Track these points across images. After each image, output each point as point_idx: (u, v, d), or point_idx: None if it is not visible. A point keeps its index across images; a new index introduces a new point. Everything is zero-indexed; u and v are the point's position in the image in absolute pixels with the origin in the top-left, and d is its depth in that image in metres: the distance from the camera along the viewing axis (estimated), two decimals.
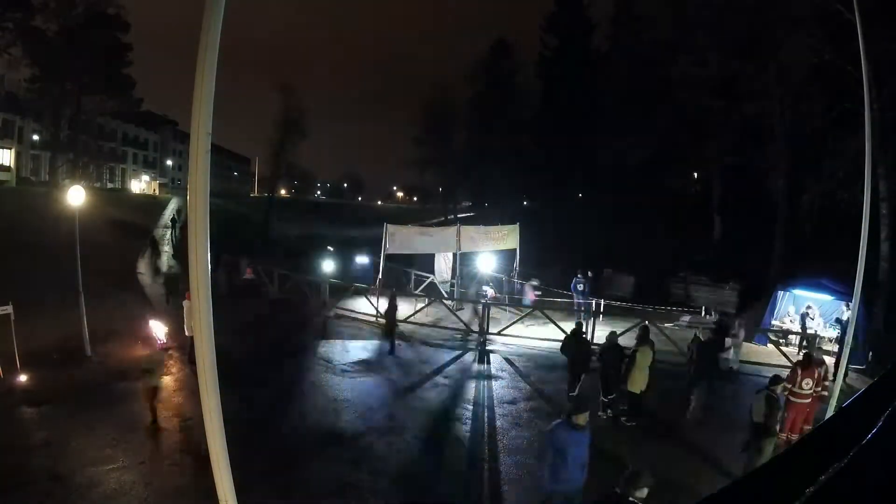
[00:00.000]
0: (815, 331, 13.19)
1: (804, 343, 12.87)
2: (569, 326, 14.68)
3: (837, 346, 11.87)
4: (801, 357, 8.32)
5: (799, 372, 7.72)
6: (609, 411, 8.60)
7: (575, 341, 9.53)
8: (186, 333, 10.01)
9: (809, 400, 7.66)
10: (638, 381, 8.37)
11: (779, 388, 6.86)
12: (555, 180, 36.77)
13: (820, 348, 10.04)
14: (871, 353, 11.76)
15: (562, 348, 9.67)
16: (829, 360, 9.17)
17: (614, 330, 9.66)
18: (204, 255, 3.25)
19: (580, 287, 16.98)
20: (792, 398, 7.66)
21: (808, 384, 7.63)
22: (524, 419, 8.59)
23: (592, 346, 10.48)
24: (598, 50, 39.86)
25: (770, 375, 7.26)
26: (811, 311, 13.50)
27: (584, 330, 10.24)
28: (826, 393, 7.75)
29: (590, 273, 17.79)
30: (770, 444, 6.54)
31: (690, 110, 24.26)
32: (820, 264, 15.73)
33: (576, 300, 17.07)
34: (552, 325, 13.00)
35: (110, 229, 24.93)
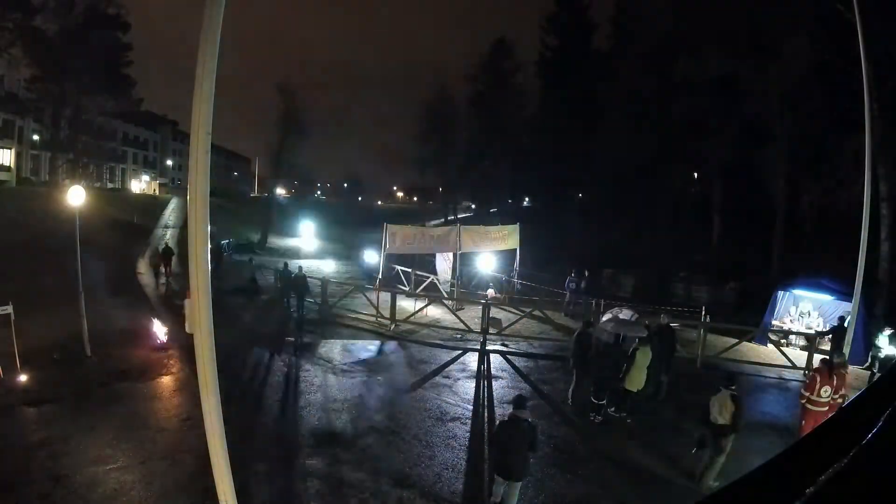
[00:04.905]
0: (815, 330, 13.18)
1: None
2: (564, 325, 14.74)
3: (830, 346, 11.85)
4: (820, 363, 7.77)
5: (818, 379, 7.33)
6: (601, 413, 8.53)
7: (577, 337, 9.27)
8: (187, 331, 10.00)
9: (827, 408, 7.20)
10: (636, 380, 8.37)
11: (735, 386, 6.59)
12: (555, 180, 36.80)
13: (837, 352, 9.80)
14: (870, 353, 11.76)
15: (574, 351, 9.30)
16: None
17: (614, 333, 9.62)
18: (204, 255, 3.26)
19: (572, 286, 17.19)
20: (809, 406, 7.31)
21: (826, 392, 7.24)
22: None
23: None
24: (599, 50, 39.94)
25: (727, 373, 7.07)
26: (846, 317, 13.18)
27: (591, 324, 9.82)
28: (842, 402, 7.23)
29: (586, 272, 17.91)
30: (731, 442, 6.46)
31: (690, 110, 24.29)
32: (820, 264, 15.75)
33: (567, 298, 17.25)
34: (551, 325, 13.01)
35: (110, 229, 24.94)
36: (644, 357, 8.37)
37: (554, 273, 20.23)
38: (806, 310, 14.18)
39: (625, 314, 11.80)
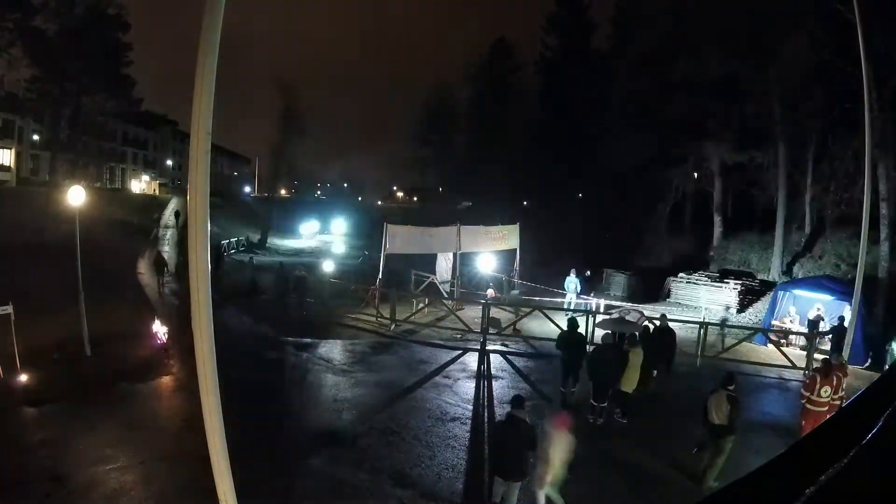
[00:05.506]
0: (816, 330, 13.17)
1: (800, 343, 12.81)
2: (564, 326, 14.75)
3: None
4: (821, 364, 7.79)
5: (818, 379, 7.34)
6: (601, 418, 8.50)
7: (567, 336, 9.37)
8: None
9: (826, 408, 7.19)
10: (631, 381, 8.37)
11: (732, 386, 6.60)
12: (555, 180, 36.77)
13: (835, 353, 9.82)
14: (870, 353, 11.77)
15: (557, 344, 9.54)
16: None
17: (611, 331, 9.63)
18: (204, 255, 3.26)
19: (572, 286, 17.13)
20: (809, 406, 7.31)
21: (826, 392, 7.24)
22: None
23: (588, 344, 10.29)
24: (599, 50, 39.90)
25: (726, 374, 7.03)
26: (821, 312, 13.32)
27: (577, 325, 9.91)
28: (842, 402, 7.23)
29: (586, 272, 17.84)
30: (730, 442, 6.46)
31: (690, 110, 24.25)
32: (820, 264, 15.74)
33: (567, 298, 17.20)
34: (552, 325, 13.00)
35: (110, 229, 24.93)
36: (636, 357, 8.36)
37: (553, 273, 20.20)
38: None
39: (632, 315, 11.81)
